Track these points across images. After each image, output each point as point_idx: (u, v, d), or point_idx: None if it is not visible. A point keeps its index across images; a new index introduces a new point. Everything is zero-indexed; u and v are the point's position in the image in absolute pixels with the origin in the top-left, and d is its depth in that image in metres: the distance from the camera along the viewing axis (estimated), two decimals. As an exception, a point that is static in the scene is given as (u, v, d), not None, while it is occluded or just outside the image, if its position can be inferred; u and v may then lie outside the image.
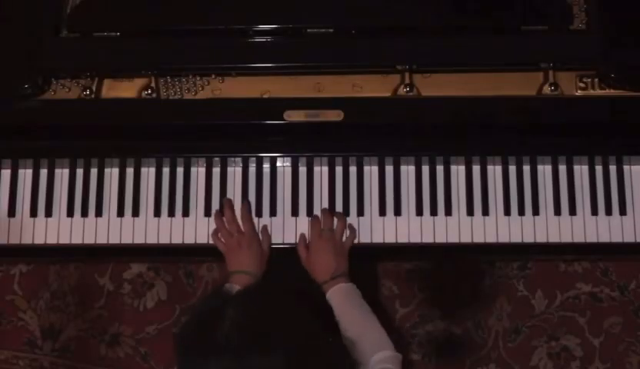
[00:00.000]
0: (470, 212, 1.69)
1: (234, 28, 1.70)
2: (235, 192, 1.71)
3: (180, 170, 1.72)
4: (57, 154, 1.71)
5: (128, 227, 1.70)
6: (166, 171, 1.72)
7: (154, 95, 1.70)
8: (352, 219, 1.69)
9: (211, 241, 1.68)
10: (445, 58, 1.68)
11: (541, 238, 1.69)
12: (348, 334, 1.48)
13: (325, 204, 1.70)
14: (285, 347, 1.12)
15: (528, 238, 1.69)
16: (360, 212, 1.70)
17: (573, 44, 1.68)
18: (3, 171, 1.73)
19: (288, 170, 1.71)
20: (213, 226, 1.68)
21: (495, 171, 1.71)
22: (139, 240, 1.70)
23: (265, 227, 1.69)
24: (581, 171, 1.70)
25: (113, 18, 1.71)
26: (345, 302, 1.56)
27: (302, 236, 1.68)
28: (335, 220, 1.67)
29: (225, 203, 1.68)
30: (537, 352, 2.09)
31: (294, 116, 1.66)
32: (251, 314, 1.15)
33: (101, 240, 1.70)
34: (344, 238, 1.66)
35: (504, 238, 1.69)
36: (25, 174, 1.73)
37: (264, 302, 1.20)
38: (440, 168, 1.70)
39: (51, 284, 2.13)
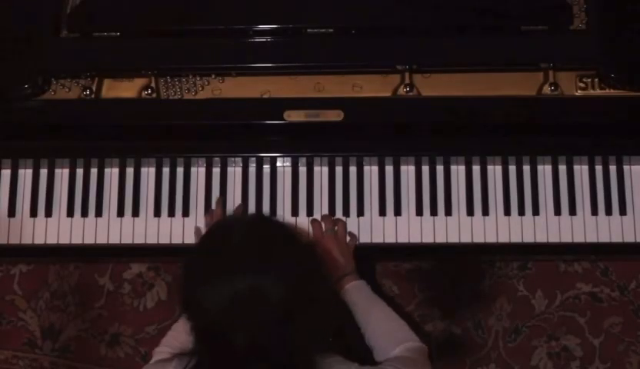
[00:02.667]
0: (470, 212, 1.69)
1: (234, 28, 1.70)
2: (234, 192, 1.71)
3: (180, 170, 1.72)
4: (57, 154, 1.71)
5: (128, 227, 1.71)
6: (166, 171, 1.72)
7: (154, 95, 1.70)
8: (352, 219, 1.70)
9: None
10: (445, 58, 1.68)
11: (541, 238, 1.69)
12: (369, 331, 1.51)
13: (325, 204, 1.70)
14: (289, 272, 1.18)
15: (528, 238, 1.69)
16: (360, 212, 1.70)
17: (573, 44, 1.68)
18: (3, 171, 1.73)
19: (288, 170, 1.71)
20: (213, 226, 1.69)
21: (495, 171, 1.71)
22: (139, 240, 1.70)
23: None
24: (581, 171, 1.70)
25: (113, 18, 1.71)
26: (360, 301, 1.58)
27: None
28: (336, 225, 1.67)
29: (217, 201, 1.69)
30: (537, 352, 2.09)
31: (294, 116, 1.66)
32: (261, 234, 1.23)
33: (101, 240, 1.70)
34: (347, 240, 1.66)
35: (504, 238, 1.69)
36: (25, 174, 1.73)
37: (273, 227, 1.28)
38: (440, 168, 1.70)
39: (51, 284, 2.13)
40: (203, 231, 1.67)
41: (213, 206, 1.70)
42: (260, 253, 1.19)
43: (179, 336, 1.55)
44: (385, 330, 1.53)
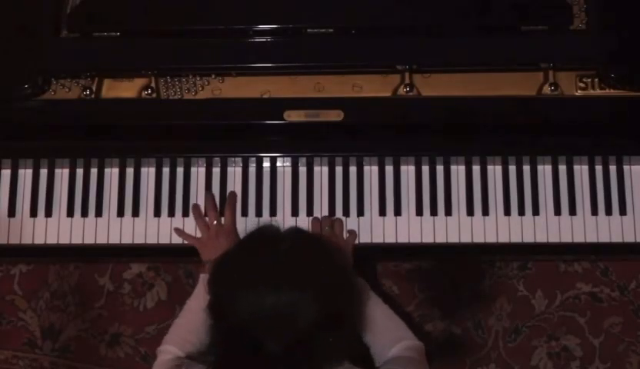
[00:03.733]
0: (470, 212, 1.69)
1: (234, 28, 1.70)
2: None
3: (180, 170, 1.72)
4: (57, 154, 1.71)
5: (128, 227, 1.70)
6: (166, 171, 1.72)
7: (154, 95, 1.71)
8: (352, 219, 1.69)
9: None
10: (445, 58, 1.68)
11: (541, 238, 1.69)
12: (368, 328, 1.51)
13: (325, 204, 1.70)
14: (327, 293, 1.23)
15: (528, 238, 1.69)
16: (360, 212, 1.70)
17: (573, 44, 1.68)
18: (3, 171, 1.73)
19: (288, 170, 1.71)
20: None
21: (495, 171, 1.71)
22: (139, 240, 1.70)
23: None
24: (581, 171, 1.70)
25: (113, 18, 1.71)
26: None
27: None
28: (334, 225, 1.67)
29: (207, 194, 1.68)
30: (537, 352, 2.09)
31: (294, 116, 1.66)
32: (308, 251, 1.28)
33: (101, 240, 1.70)
34: (344, 237, 1.66)
35: (504, 238, 1.69)
36: (25, 174, 1.73)
37: (320, 247, 1.34)
38: (440, 168, 1.70)
39: (51, 284, 2.13)
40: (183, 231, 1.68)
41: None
42: (305, 270, 1.24)
43: (181, 332, 1.55)
44: (383, 328, 1.53)
